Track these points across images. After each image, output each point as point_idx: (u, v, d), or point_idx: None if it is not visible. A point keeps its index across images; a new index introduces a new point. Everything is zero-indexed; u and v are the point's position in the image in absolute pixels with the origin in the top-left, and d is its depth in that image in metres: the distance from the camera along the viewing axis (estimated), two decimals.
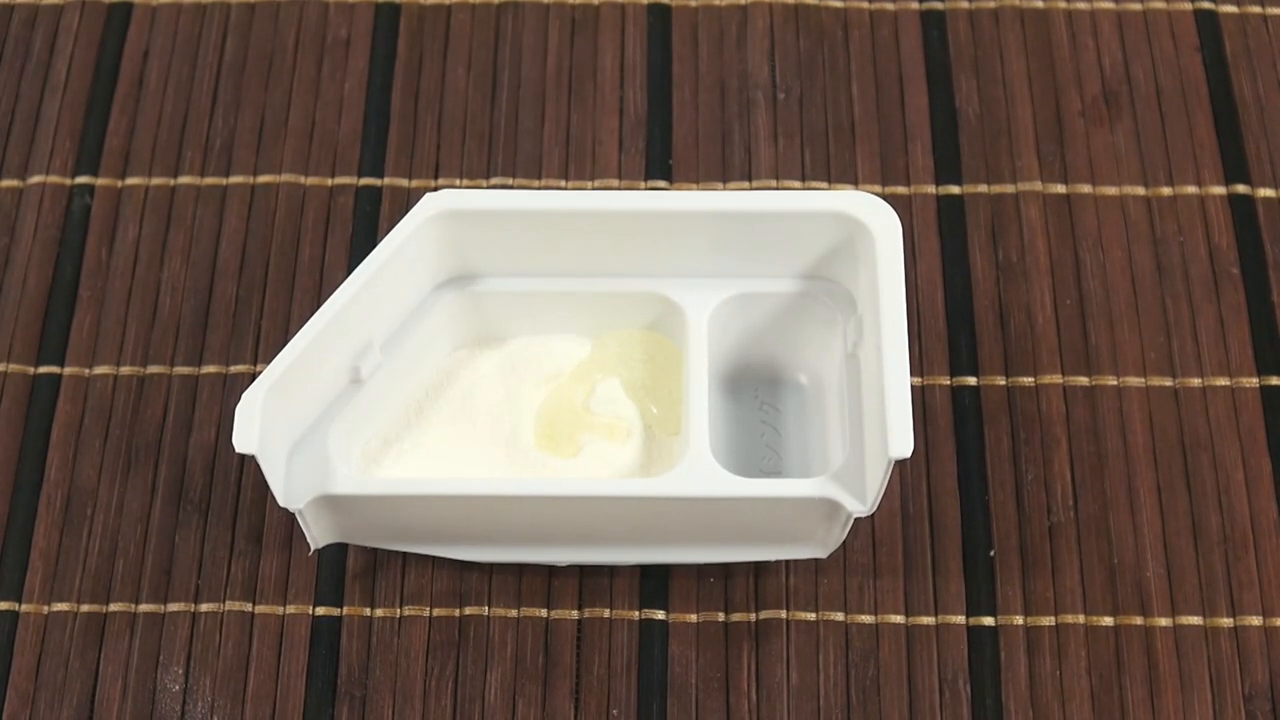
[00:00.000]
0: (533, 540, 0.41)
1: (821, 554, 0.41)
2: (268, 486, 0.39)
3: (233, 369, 0.45)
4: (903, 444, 0.36)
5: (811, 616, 0.41)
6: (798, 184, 0.47)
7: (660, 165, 0.48)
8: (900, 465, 0.43)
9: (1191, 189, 0.47)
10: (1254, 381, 0.44)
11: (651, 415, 0.42)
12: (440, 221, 0.40)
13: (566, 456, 0.41)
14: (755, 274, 0.42)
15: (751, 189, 0.47)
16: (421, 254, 0.41)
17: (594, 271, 0.42)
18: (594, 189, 0.47)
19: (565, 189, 0.47)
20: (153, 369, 0.45)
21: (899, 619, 0.41)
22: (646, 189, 0.47)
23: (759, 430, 0.43)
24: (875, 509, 0.38)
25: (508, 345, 0.43)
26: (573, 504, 0.39)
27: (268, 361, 0.44)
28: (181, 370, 0.44)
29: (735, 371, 0.44)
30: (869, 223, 0.40)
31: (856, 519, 0.40)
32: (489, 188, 0.47)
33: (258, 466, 0.37)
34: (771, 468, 0.42)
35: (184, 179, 0.47)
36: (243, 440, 0.37)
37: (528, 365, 0.43)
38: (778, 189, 0.47)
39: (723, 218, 0.40)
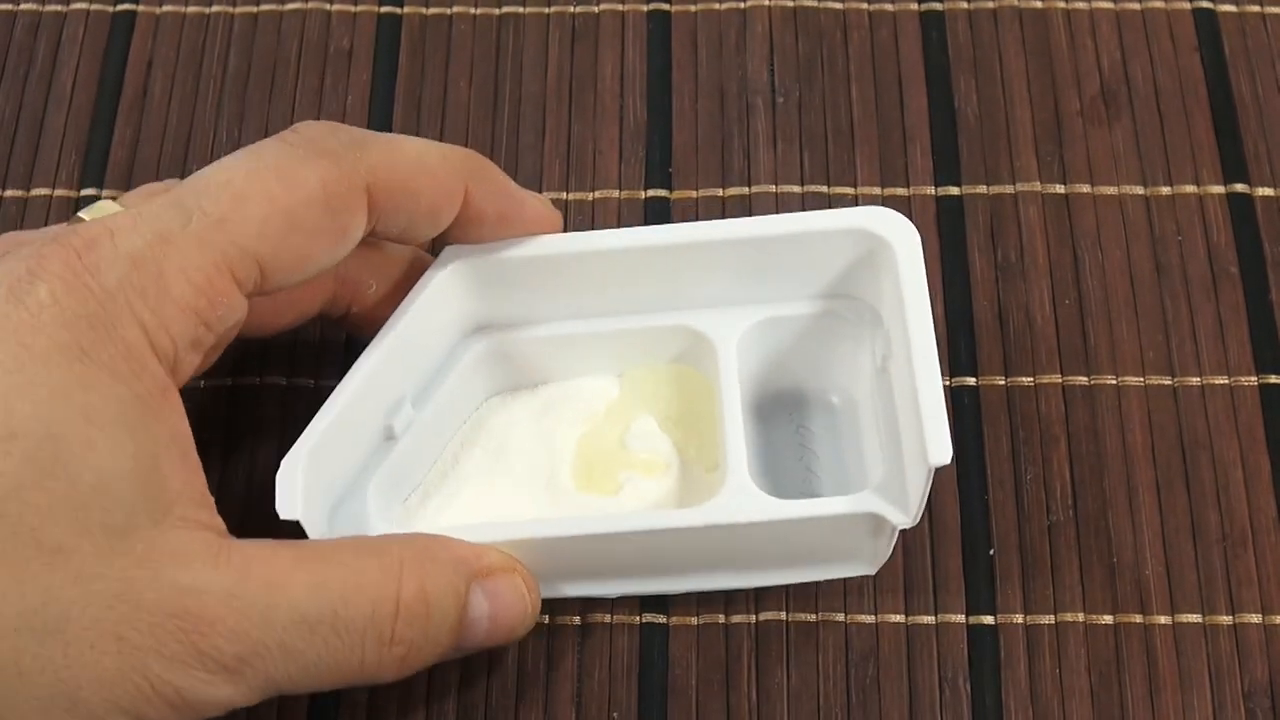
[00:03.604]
0: (578, 576, 0.41)
1: (870, 570, 0.41)
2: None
3: (238, 380, 0.45)
4: (941, 451, 0.36)
5: (812, 618, 0.41)
6: (797, 188, 0.47)
7: (660, 173, 0.48)
8: None
9: (1190, 188, 0.47)
10: (1253, 380, 0.44)
11: (687, 448, 0.42)
12: (460, 274, 0.40)
13: (606, 495, 0.41)
14: (778, 298, 0.42)
15: (750, 194, 0.47)
16: (445, 307, 0.41)
17: (618, 310, 0.42)
18: (594, 199, 0.47)
19: (566, 200, 0.47)
20: None
21: (899, 618, 0.41)
22: (646, 198, 0.47)
23: (796, 453, 0.43)
24: (919, 520, 0.38)
25: (539, 390, 0.43)
26: (618, 540, 0.39)
27: (273, 377, 0.44)
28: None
29: (766, 397, 0.44)
30: (888, 236, 0.40)
31: (902, 531, 0.40)
32: None
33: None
34: (810, 490, 0.42)
35: None
36: (286, 506, 0.37)
37: (561, 408, 0.43)
38: (776, 194, 0.47)
39: (741, 244, 0.40)
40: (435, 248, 0.41)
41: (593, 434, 0.42)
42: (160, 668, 0.33)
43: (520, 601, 0.38)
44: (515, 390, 0.43)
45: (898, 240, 0.39)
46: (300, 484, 0.37)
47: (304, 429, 0.38)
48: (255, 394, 0.45)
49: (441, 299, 0.40)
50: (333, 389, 0.39)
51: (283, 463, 0.37)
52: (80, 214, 0.37)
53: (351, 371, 0.39)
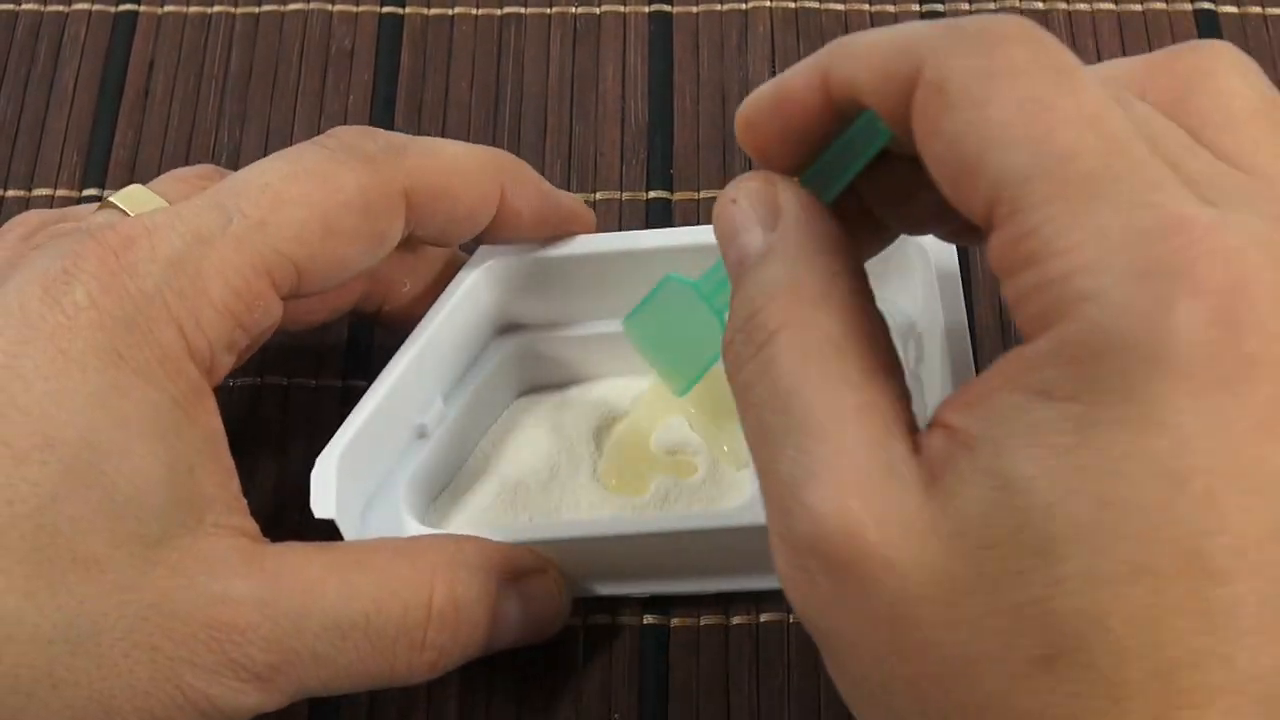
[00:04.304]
0: (606, 577, 0.41)
1: None
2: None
3: (239, 380, 0.45)
4: None
5: None
6: None
7: (661, 174, 0.48)
8: None
9: None
10: None
11: (719, 449, 0.42)
12: (493, 273, 0.40)
13: (636, 495, 0.41)
14: None
15: None
16: (478, 307, 0.41)
17: None
18: (596, 200, 0.47)
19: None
20: None
21: None
22: (648, 199, 0.47)
23: None
24: None
25: (571, 390, 0.43)
26: (647, 540, 0.39)
27: (273, 377, 0.44)
28: None
29: None
30: (924, 241, 0.39)
31: None
32: None
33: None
34: None
35: None
36: (321, 505, 0.37)
37: (591, 408, 0.43)
38: None
39: None
40: (472, 248, 0.41)
41: (623, 434, 0.42)
42: (193, 677, 0.33)
43: (552, 601, 0.38)
44: (546, 390, 0.43)
45: (934, 244, 0.39)
46: (334, 482, 0.37)
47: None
48: (256, 394, 0.45)
49: (474, 299, 0.40)
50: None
51: (317, 461, 0.37)
52: (113, 199, 0.37)
53: (385, 370, 0.39)
